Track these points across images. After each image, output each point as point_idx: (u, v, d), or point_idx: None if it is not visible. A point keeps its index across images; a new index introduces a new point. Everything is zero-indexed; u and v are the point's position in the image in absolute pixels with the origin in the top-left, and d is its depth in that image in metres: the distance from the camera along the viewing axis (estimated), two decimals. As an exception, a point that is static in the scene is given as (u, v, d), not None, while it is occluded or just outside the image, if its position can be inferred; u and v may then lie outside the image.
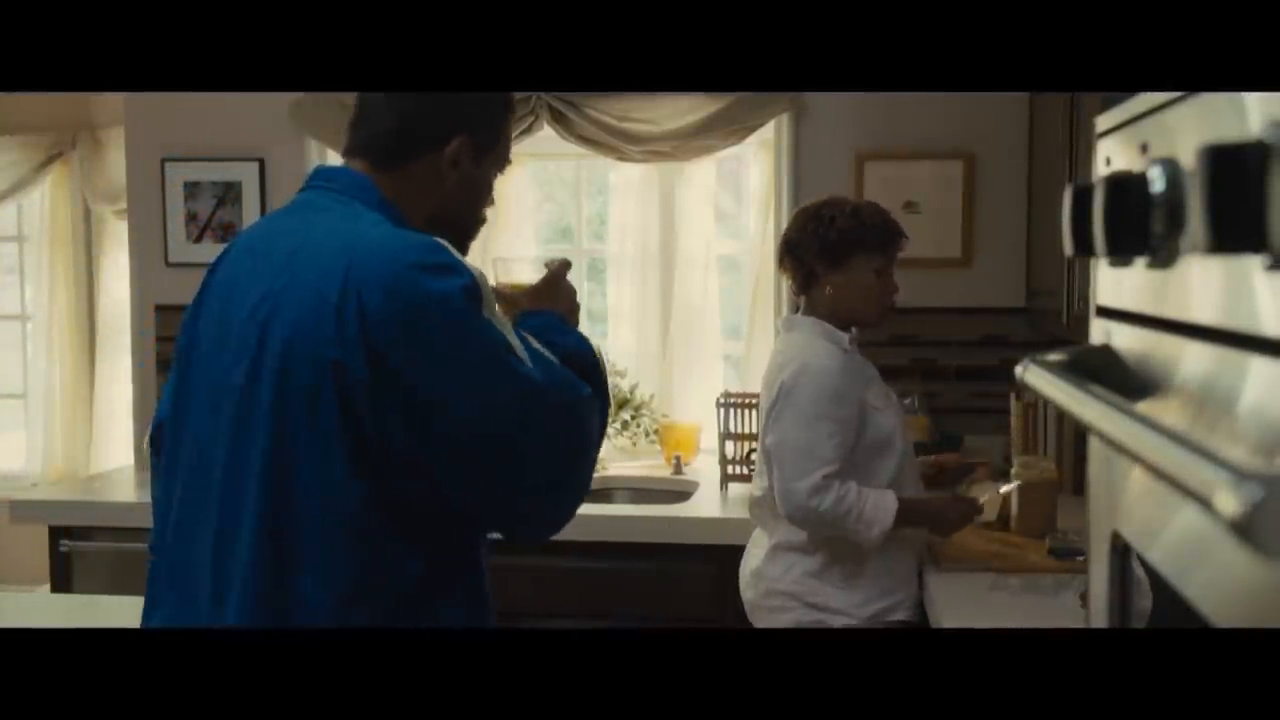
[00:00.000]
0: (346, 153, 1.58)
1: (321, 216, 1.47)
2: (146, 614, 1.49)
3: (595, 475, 3.43)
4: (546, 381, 1.43)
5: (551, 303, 1.65)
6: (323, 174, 1.56)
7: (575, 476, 1.51)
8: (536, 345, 1.48)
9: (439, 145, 1.54)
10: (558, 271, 1.70)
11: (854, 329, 2.44)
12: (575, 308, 1.69)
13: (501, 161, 1.64)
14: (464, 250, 1.63)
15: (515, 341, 1.43)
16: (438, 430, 1.36)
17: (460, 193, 1.58)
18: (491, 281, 1.57)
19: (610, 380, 3.40)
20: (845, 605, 2.34)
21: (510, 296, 1.65)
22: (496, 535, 1.54)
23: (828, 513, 2.26)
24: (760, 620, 2.46)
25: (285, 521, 1.36)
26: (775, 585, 2.40)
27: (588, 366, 1.56)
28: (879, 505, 2.28)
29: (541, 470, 1.45)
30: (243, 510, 1.38)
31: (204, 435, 1.43)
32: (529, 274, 1.72)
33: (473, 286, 1.40)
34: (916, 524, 2.36)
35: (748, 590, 2.48)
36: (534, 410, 1.41)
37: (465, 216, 1.62)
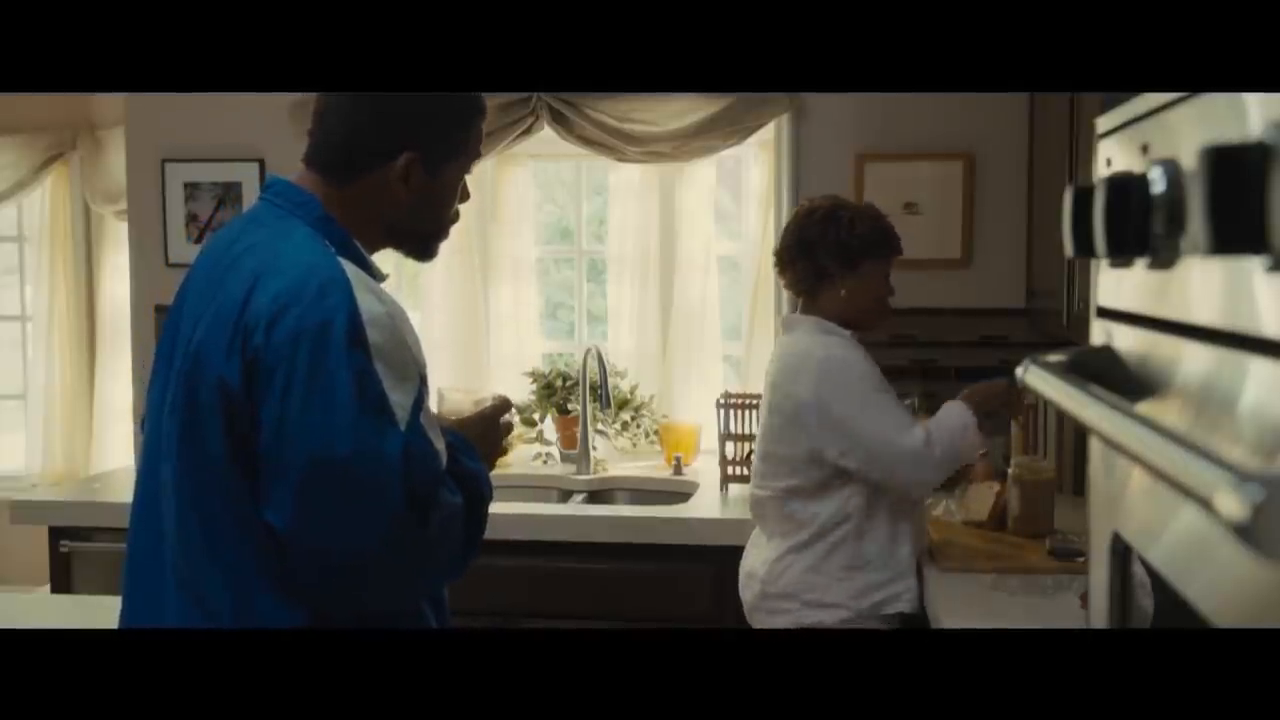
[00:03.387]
0: (305, 159, 1.58)
1: (258, 233, 1.49)
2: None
3: (595, 476, 3.46)
4: (405, 452, 1.38)
5: (478, 436, 1.62)
6: (272, 187, 1.56)
7: (391, 551, 1.39)
8: (428, 422, 1.45)
9: (386, 160, 1.53)
10: (493, 410, 1.68)
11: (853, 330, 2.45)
12: (497, 448, 1.67)
13: (468, 164, 1.62)
14: (432, 254, 1.64)
15: (395, 401, 1.38)
16: (281, 457, 1.36)
17: (415, 204, 1.57)
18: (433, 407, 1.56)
19: (610, 381, 3.43)
20: (842, 597, 2.33)
21: (442, 421, 1.63)
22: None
23: (939, 457, 2.28)
24: (758, 622, 2.45)
25: (196, 534, 1.41)
26: (771, 588, 2.40)
27: (474, 496, 1.51)
28: (954, 431, 2.30)
29: (362, 526, 1.37)
30: (163, 520, 1.45)
31: (148, 444, 1.50)
32: (467, 408, 1.72)
33: (354, 329, 1.37)
34: (977, 409, 2.36)
35: (745, 591, 2.48)
36: (380, 462, 1.36)
37: (426, 225, 1.61)
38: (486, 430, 1.65)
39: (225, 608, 1.40)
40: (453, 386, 1.84)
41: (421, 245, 1.63)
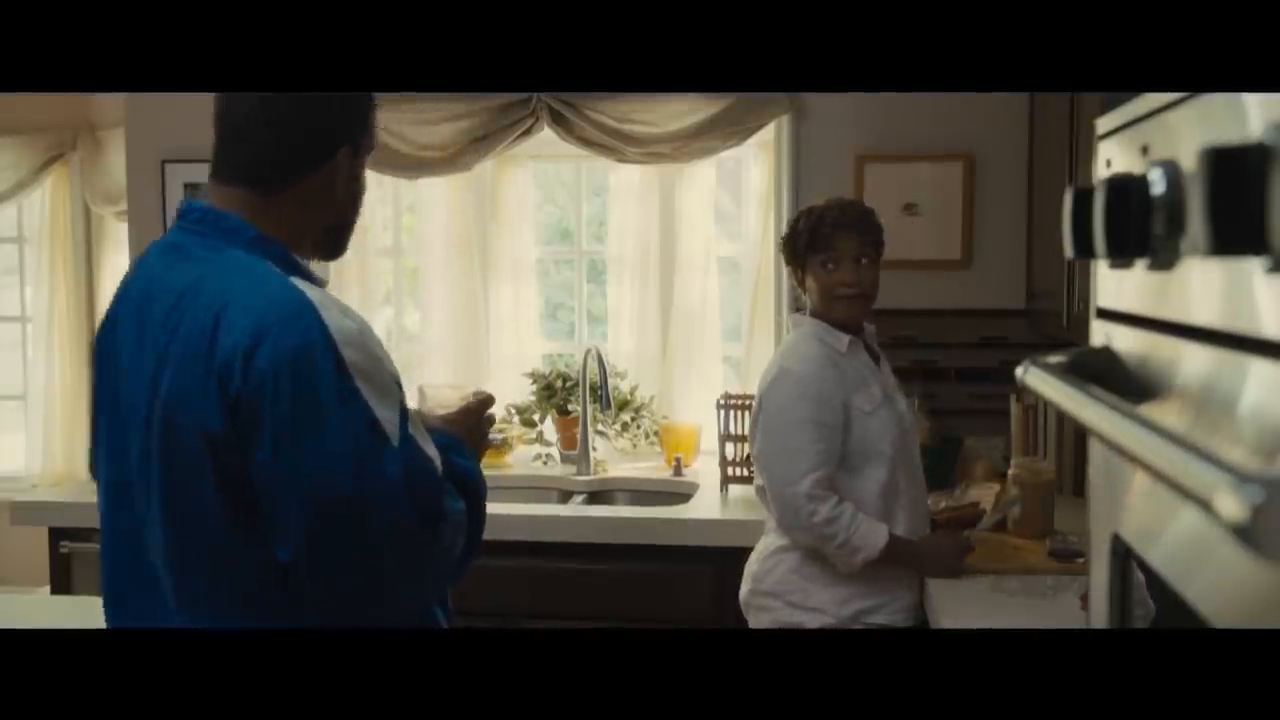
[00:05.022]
0: (218, 177, 1.49)
1: (192, 268, 1.42)
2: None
3: (595, 477, 3.46)
4: (405, 469, 1.37)
5: (463, 430, 1.61)
6: (193, 214, 1.48)
7: (407, 569, 1.40)
8: (418, 432, 1.44)
9: (327, 160, 1.49)
10: (478, 405, 1.66)
11: (868, 328, 2.46)
12: (483, 443, 1.66)
13: (370, 149, 1.59)
14: (343, 250, 1.60)
15: (382, 418, 1.36)
16: (283, 497, 1.34)
17: (347, 198, 1.54)
18: (414, 406, 1.55)
19: (610, 382, 3.43)
20: (824, 603, 2.34)
21: (426, 419, 1.64)
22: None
23: (819, 525, 2.27)
24: (750, 617, 2.47)
25: (198, 582, 1.40)
26: (759, 584, 2.41)
27: (471, 494, 1.51)
28: (869, 534, 2.28)
29: (377, 550, 1.37)
30: (156, 570, 1.43)
31: (114, 492, 1.50)
32: (453, 403, 1.71)
33: (331, 352, 1.34)
34: (904, 564, 2.34)
35: (743, 586, 2.48)
36: (385, 486, 1.35)
37: (351, 217, 1.58)
38: (472, 425, 1.63)
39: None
40: (433, 383, 1.83)
41: (338, 241, 1.58)
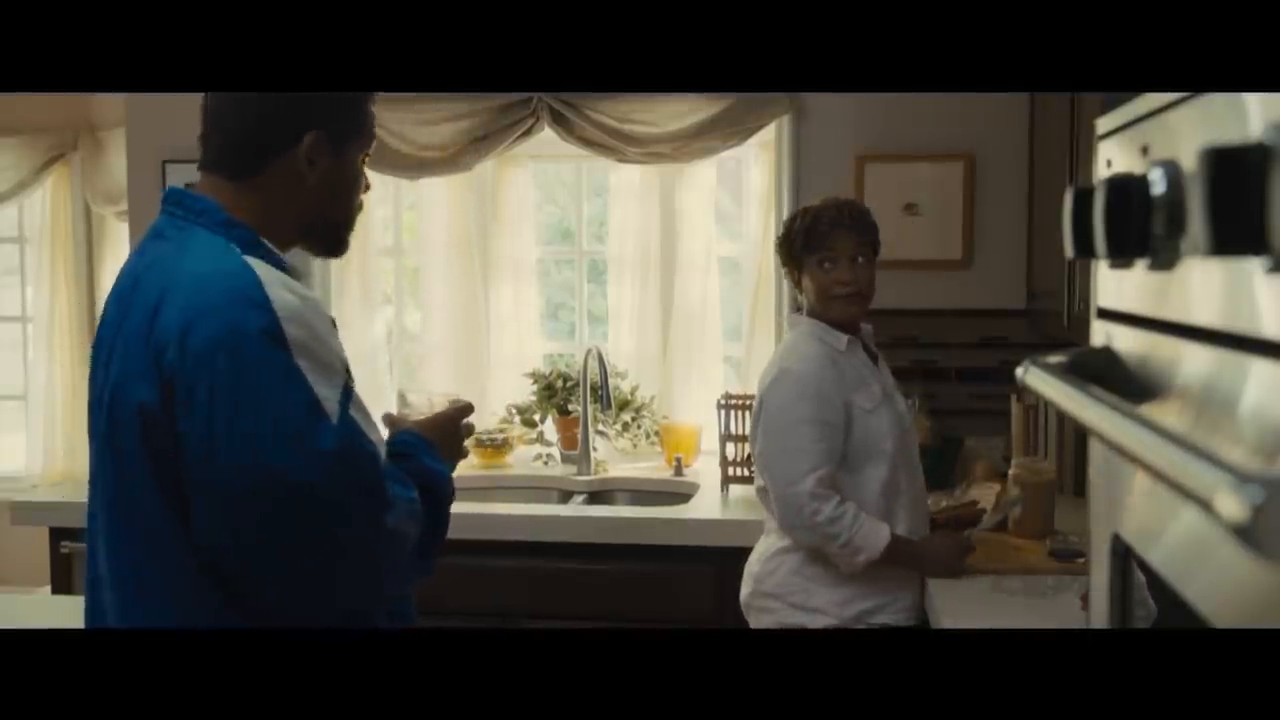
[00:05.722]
0: (201, 166, 1.52)
1: (160, 247, 1.44)
2: None
3: (596, 477, 3.46)
4: (343, 446, 1.34)
5: (437, 435, 1.60)
6: (172, 197, 1.50)
7: (346, 551, 1.37)
8: (360, 415, 1.42)
9: (292, 145, 1.49)
10: (455, 412, 1.65)
11: (865, 328, 2.46)
12: (458, 450, 1.64)
13: (367, 145, 1.58)
14: (343, 247, 1.60)
15: (323, 396, 1.34)
16: (215, 475, 1.32)
17: (325, 190, 1.52)
18: (394, 410, 1.55)
19: (611, 382, 3.43)
20: (826, 603, 2.33)
21: (401, 422, 1.63)
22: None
23: (821, 524, 2.27)
24: (751, 618, 2.46)
25: (127, 565, 1.39)
26: (761, 585, 2.41)
27: (437, 494, 1.50)
28: (871, 534, 2.27)
29: (312, 528, 1.34)
30: (97, 555, 1.44)
31: (91, 471, 1.47)
32: (432, 408, 1.70)
33: (271, 327, 1.33)
34: (905, 564, 2.34)
35: (743, 587, 2.48)
36: (305, 470, 1.32)
37: (336, 213, 1.56)
38: (447, 431, 1.62)
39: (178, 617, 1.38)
40: (411, 389, 1.83)
41: (332, 236, 1.58)
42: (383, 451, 1.44)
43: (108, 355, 1.41)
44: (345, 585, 1.40)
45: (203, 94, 1.52)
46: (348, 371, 1.42)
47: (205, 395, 1.31)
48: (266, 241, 1.46)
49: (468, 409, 1.67)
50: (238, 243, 1.42)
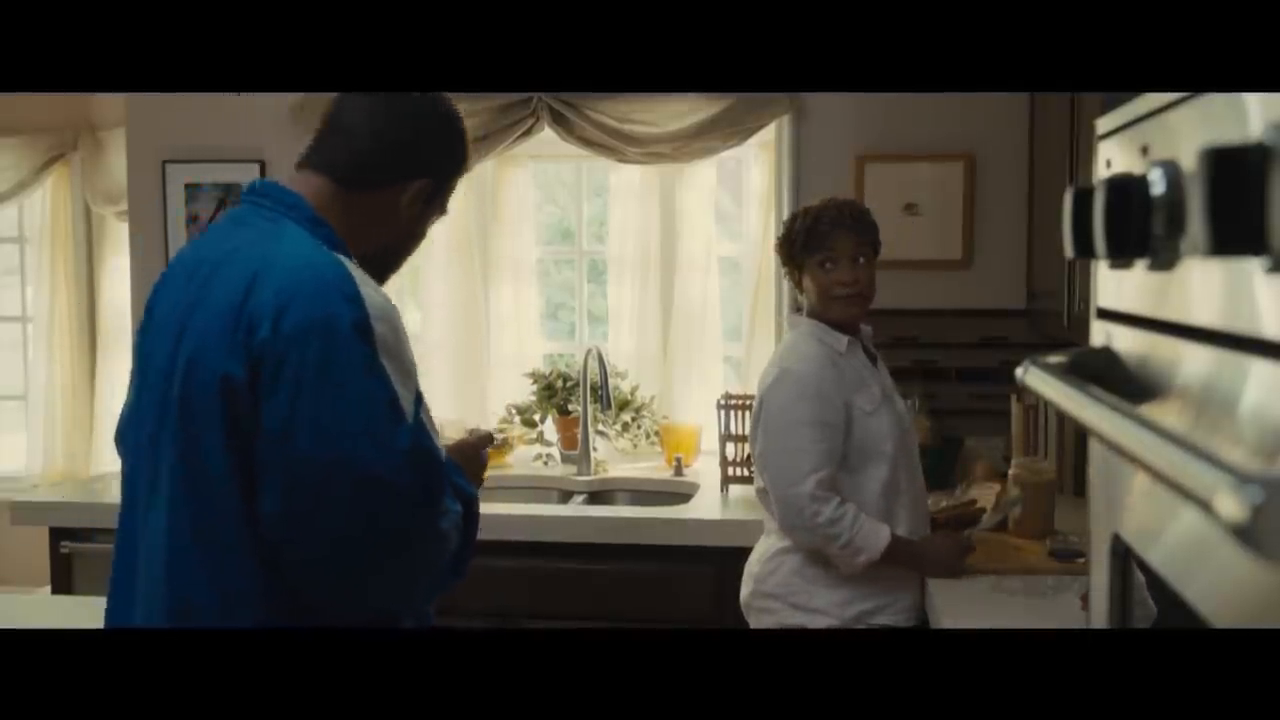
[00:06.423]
0: (306, 162, 1.56)
1: (248, 233, 1.48)
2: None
3: (596, 477, 3.46)
4: (415, 446, 1.38)
5: (463, 460, 1.62)
6: (256, 189, 1.55)
7: (398, 545, 1.40)
8: (427, 420, 1.46)
9: (405, 181, 1.55)
10: (478, 441, 1.69)
11: (864, 329, 2.46)
12: (479, 478, 1.67)
13: (441, 210, 1.65)
14: (385, 279, 1.63)
15: (401, 395, 1.39)
16: (281, 453, 1.35)
17: (405, 231, 1.59)
18: None
19: (611, 382, 3.43)
20: (827, 604, 2.33)
21: None
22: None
23: (821, 525, 2.26)
24: (751, 618, 2.46)
25: (189, 532, 1.39)
26: (762, 586, 2.41)
27: (470, 512, 1.53)
28: (871, 535, 2.27)
29: (373, 518, 1.37)
30: (149, 527, 1.43)
31: (136, 446, 1.48)
32: (452, 437, 1.75)
33: (362, 322, 1.37)
34: (905, 564, 2.34)
35: (743, 588, 2.48)
36: (381, 463, 1.35)
37: (400, 255, 1.63)
38: (470, 457, 1.65)
39: (211, 608, 1.39)
40: (435, 418, 1.87)
41: (385, 267, 1.62)
42: (443, 455, 1.48)
43: (179, 328, 1.42)
44: (389, 581, 1.42)
45: (333, 99, 1.57)
46: (417, 377, 1.47)
47: (292, 377, 1.34)
48: (344, 244, 1.51)
49: (488, 439, 1.72)
50: (323, 241, 1.47)
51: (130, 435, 1.51)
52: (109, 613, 1.50)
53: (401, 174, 1.54)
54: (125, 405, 1.56)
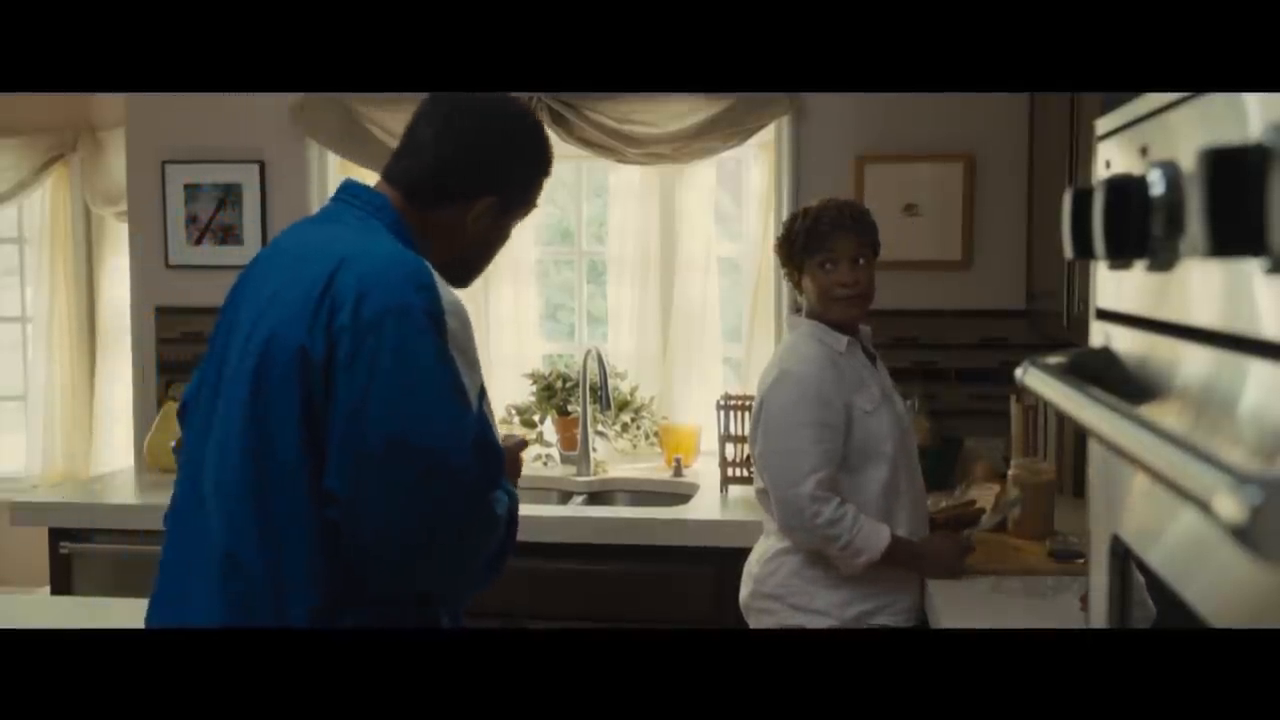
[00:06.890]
0: (385, 176, 1.64)
1: (336, 228, 1.56)
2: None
3: (596, 477, 3.46)
4: (479, 435, 1.45)
5: (505, 463, 1.65)
6: (349, 189, 1.63)
7: (455, 529, 1.44)
8: (488, 413, 1.52)
9: (467, 200, 1.61)
10: (516, 445, 1.73)
11: (863, 329, 2.46)
12: (514, 480, 1.70)
13: (528, 211, 1.71)
14: (468, 283, 1.71)
15: (468, 385, 1.46)
16: (361, 433, 1.39)
17: (476, 244, 1.66)
18: None
19: (610, 382, 3.43)
20: (827, 605, 2.33)
21: None
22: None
23: (821, 526, 2.26)
24: (750, 619, 2.46)
25: (252, 513, 1.42)
26: (761, 586, 2.41)
27: (512, 512, 1.57)
28: (871, 536, 2.27)
29: (438, 500, 1.41)
30: (208, 503, 1.46)
31: (199, 422, 1.52)
32: None
33: (436, 312, 1.44)
34: (905, 564, 2.34)
35: (743, 588, 2.48)
36: (449, 447, 1.41)
37: (478, 261, 1.70)
38: (511, 459, 1.68)
39: (266, 589, 1.41)
40: None
41: (463, 274, 1.69)
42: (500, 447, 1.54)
43: (262, 308, 1.47)
44: (440, 564, 1.44)
45: (414, 116, 1.66)
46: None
47: (368, 359, 1.39)
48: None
49: (524, 444, 1.76)
50: (402, 242, 1.54)
51: (197, 410, 1.54)
52: (164, 567, 1.52)
53: (464, 194, 1.61)
54: (194, 378, 1.60)
